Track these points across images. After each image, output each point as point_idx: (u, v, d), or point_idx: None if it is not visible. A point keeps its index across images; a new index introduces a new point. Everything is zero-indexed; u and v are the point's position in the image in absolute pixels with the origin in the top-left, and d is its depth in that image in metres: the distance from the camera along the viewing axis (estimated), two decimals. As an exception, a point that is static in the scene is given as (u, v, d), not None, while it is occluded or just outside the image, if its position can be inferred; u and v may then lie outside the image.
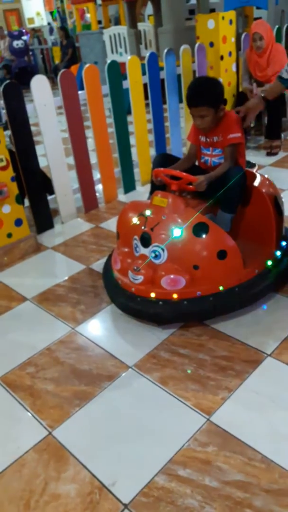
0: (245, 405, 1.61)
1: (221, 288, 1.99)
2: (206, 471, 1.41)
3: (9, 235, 2.70)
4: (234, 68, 4.16)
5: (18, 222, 2.71)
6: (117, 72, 3.22)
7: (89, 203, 3.30)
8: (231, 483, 1.37)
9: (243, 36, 4.43)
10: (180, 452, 1.47)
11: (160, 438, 1.53)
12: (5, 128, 2.69)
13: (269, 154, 3.99)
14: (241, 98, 4.08)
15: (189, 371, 1.77)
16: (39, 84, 2.82)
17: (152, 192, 2.38)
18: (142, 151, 3.62)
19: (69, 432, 1.59)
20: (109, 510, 1.33)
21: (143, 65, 3.42)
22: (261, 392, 1.65)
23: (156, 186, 2.25)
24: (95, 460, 1.48)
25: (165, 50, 3.63)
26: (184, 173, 2.08)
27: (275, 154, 3.98)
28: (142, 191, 3.52)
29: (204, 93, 2.10)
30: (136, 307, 2.02)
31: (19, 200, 2.69)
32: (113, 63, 3.20)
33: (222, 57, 3.95)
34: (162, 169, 2.13)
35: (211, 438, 1.50)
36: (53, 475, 1.45)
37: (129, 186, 3.57)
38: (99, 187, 3.42)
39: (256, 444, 1.47)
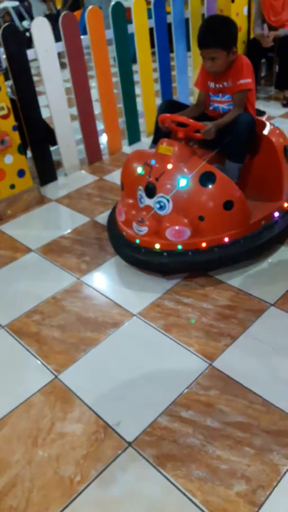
0: (247, 352, 1.63)
1: (226, 239, 1.97)
2: (208, 413, 1.45)
3: (12, 186, 2.66)
4: (245, 12, 3.93)
5: (21, 173, 2.67)
6: (122, 14, 3.06)
7: (92, 154, 3.23)
8: (232, 424, 1.41)
9: (256, -24, 4.16)
10: (183, 395, 1.51)
11: (164, 382, 1.57)
12: (6, 77, 2.59)
13: (285, 105, 3.84)
14: (252, 45, 3.89)
15: (192, 321, 1.79)
16: (40, 27, 2.69)
17: (155, 140, 2.32)
18: (148, 101, 3.50)
19: (75, 376, 1.63)
20: (113, 448, 1.39)
21: (149, 10, 3.25)
22: (263, 340, 1.67)
23: (160, 135, 2.19)
24: (100, 402, 1.53)
25: (173, -9, 3.42)
26: (191, 120, 2.00)
27: None
28: (147, 143, 3.42)
29: (216, 34, 1.99)
30: (140, 258, 2.02)
31: (21, 150, 2.64)
32: (118, 4, 3.03)
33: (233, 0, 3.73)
34: (168, 114, 2.05)
35: (213, 382, 1.54)
36: (60, 416, 1.50)
37: (134, 137, 3.48)
38: (103, 138, 3.34)
39: (257, 389, 1.50)
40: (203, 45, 2.02)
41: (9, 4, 5.98)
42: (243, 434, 1.38)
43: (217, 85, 2.16)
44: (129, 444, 1.39)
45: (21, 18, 5.87)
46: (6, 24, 2.59)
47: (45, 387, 1.60)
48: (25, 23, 5.50)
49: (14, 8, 5.98)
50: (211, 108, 2.25)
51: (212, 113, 2.25)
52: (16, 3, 6.18)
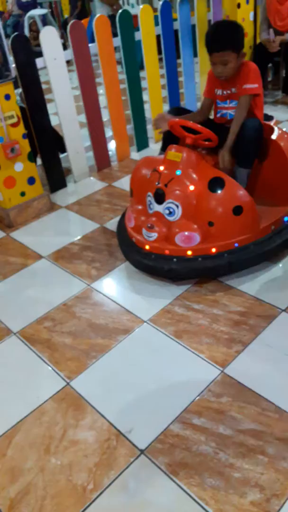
0: (259, 358, 1.62)
1: (236, 244, 1.97)
2: (220, 420, 1.44)
3: (22, 194, 2.69)
4: (251, 17, 3.94)
5: (31, 181, 2.69)
6: (129, 22, 3.08)
7: (101, 161, 3.25)
8: (244, 431, 1.40)
9: (262, -19, 4.17)
10: (194, 402, 1.50)
11: (175, 389, 1.56)
12: (16, 86, 2.62)
13: None
14: (259, 50, 3.90)
15: (203, 327, 1.79)
16: (49, 36, 2.72)
17: (164, 148, 2.33)
18: (156, 107, 3.52)
19: (87, 383, 1.63)
20: (125, 455, 1.38)
21: (156, 17, 3.27)
22: (275, 346, 1.66)
23: (169, 142, 2.19)
24: (112, 409, 1.53)
25: (179, -2, 3.45)
26: (204, 128, 1.99)
27: None
28: (155, 149, 3.44)
29: (226, 36, 1.99)
30: (150, 264, 2.02)
31: (31, 157, 2.66)
32: (125, 12, 3.06)
33: (239, 5, 3.74)
34: (177, 120, 2.05)
35: (225, 389, 1.53)
36: (72, 423, 1.50)
37: (142, 143, 3.49)
38: (111, 145, 3.36)
39: (269, 395, 1.49)
40: (214, 49, 2.00)
41: (35, 13, 5.96)
42: (256, 442, 1.37)
43: (224, 92, 2.16)
44: (142, 451, 1.39)
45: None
46: (15, 34, 2.63)
47: (57, 394, 1.61)
48: None
49: (41, 16, 5.96)
50: (218, 115, 2.25)
51: (219, 119, 2.25)
52: (44, 11, 6.16)
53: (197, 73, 3.89)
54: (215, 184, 1.93)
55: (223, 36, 2.00)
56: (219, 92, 2.19)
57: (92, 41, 2.96)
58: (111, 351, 1.74)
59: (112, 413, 1.51)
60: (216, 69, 2.05)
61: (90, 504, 1.28)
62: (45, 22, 6.00)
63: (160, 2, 3.36)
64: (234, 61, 2.00)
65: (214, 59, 2.03)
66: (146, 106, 3.45)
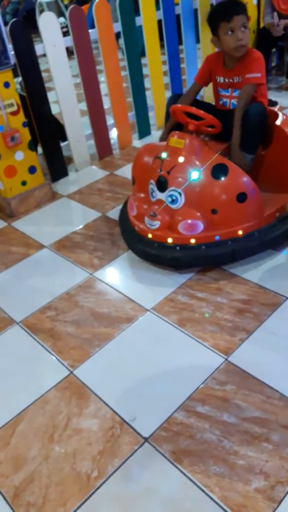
0: (263, 346, 1.61)
1: (240, 232, 1.94)
2: (225, 408, 1.43)
3: (24, 183, 2.66)
4: (255, 1, 3.86)
5: (32, 170, 2.67)
6: (130, 7, 3.03)
7: (103, 149, 3.21)
8: (249, 419, 1.39)
9: None
10: (198, 390, 1.50)
11: (179, 377, 1.55)
12: (15, 74, 2.59)
13: None
14: (263, 34, 3.83)
15: (206, 315, 1.78)
16: (48, 22, 2.68)
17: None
18: (158, 94, 3.47)
19: (90, 371, 1.63)
20: (130, 443, 1.38)
21: (157, 2, 3.21)
22: (280, 334, 1.65)
23: (171, 128, 2.16)
24: (116, 397, 1.52)
25: (181, -18, 3.38)
26: (207, 114, 1.95)
27: None
28: (157, 136, 3.40)
29: (241, 3, 2.01)
30: (153, 253, 2.00)
31: (32, 146, 2.63)
32: (126, -4, 3.00)
33: (242, -11, 3.66)
34: (180, 106, 2.02)
35: (229, 377, 1.52)
36: (75, 411, 1.50)
37: (144, 131, 3.45)
38: (113, 133, 3.32)
39: (274, 383, 1.48)
40: (236, 12, 1.95)
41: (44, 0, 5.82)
42: (261, 430, 1.36)
43: (226, 80, 2.12)
44: (146, 439, 1.38)
45: (60, 14, 5.62)
46: (14, 20, 2.58)
47: (61, 383, 1.60)
48: (62, 20, 4.97)
49: (49, 3, 5.81)
50: (220, 102, 2.22)
51: (221, 107, 2.21)
52: None
53: (200, 59, 3.82)
54: (218, 171, 1.90)
55: (239, 2, 2.02)
56: (220, 79, 2.15)
57: (93, 27, 2.92)
58: (114, 339, 1.74)
59: (115, 401, 1.51)
60: (238, 35, 1.96)
61: (94, 491, 1.28)
62: (56, 9, 5.86)
63: (162, -14, 3.29)
64: (248, 28, 1.99)
65: (235, 24, 1.95)
66: (148, 93, 3.41)
